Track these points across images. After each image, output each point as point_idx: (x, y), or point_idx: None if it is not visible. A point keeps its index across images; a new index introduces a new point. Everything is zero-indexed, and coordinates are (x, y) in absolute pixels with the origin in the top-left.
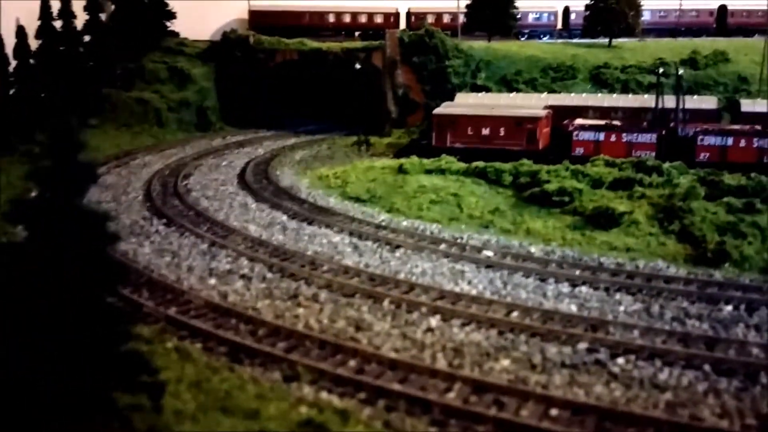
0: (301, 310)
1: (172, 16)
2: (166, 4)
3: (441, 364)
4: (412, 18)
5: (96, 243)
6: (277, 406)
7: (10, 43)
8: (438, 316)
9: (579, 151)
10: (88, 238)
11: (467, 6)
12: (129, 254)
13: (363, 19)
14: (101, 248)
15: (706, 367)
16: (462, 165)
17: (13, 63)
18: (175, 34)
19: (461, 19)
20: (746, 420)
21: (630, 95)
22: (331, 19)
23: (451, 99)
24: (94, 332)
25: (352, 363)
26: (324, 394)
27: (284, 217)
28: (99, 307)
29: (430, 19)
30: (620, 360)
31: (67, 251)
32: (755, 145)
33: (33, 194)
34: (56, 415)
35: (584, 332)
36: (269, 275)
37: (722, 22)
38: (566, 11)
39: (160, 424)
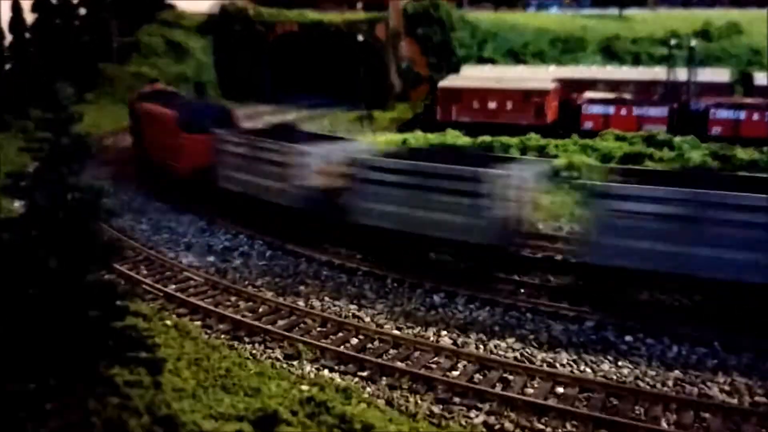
0: (302, 288)
1: None
2: None
3: (445, 341)
4: None
5: (92, 218)
6: (278, 384)
7: (5, 17)
8: (442, 294)
9: (588, 125)
10: (84, 212)
11: None
12: (127, 231)
13: None
14: (97, 223)
15: (716, 344)
16: (468, 139)
17: (9, 37)
18: (172, 7)
19: None
20: (756, 397)
21: (641, 68)
22: None
23: (457, 72)
24: (91, 308)
25: (354, 341)
26: (326, 372)
27: None
28: (95, 283)
29: None
30: (628, 337)
31: (62, 226)
32: None
33: (30, 169)
34: (53, 391)
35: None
36: (269, 252)
37: None
38: None
39: (159, 401)
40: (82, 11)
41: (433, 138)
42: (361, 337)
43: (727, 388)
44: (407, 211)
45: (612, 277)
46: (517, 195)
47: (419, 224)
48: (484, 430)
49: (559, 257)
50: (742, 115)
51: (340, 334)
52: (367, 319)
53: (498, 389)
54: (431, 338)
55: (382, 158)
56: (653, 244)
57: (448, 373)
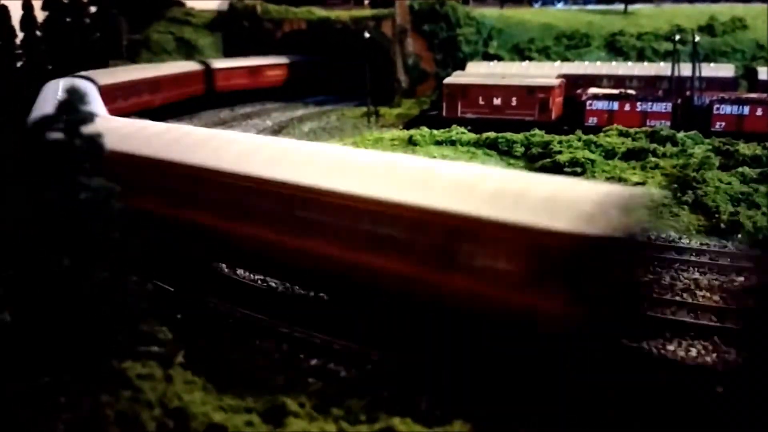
0: None
1: None
2: None
3: None
4: None
5: (103, 217)
6: (286, 376)
7: (16, 14)
8: None
9: (592, 120)
10: (96, 211)
11: None
12: None
13: None
14: (109, 222)
15: (716, 339)
16: (473, 136)
17: (20, 35)
18: (181, 4)
19: None
20: None
21: (645, 63)
22: None
23: (463, 68)
24: (103, 304)
25: None
26: (332, 366)
27: None
28: (106, 280)
29: None
30: None
31: (75, 225)
32: None
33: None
34: (66, 384)
35: None
36: None
37: None
38: None
39: (171, 393)
40: (92, 9)
41: (439, 134)
42: None
43: None
44: None
45: None
46: None
47: None
48: None
49: None
50: (746, 110)
51: None
52: None
53: None
54: None
55: None
56: None
57: None
